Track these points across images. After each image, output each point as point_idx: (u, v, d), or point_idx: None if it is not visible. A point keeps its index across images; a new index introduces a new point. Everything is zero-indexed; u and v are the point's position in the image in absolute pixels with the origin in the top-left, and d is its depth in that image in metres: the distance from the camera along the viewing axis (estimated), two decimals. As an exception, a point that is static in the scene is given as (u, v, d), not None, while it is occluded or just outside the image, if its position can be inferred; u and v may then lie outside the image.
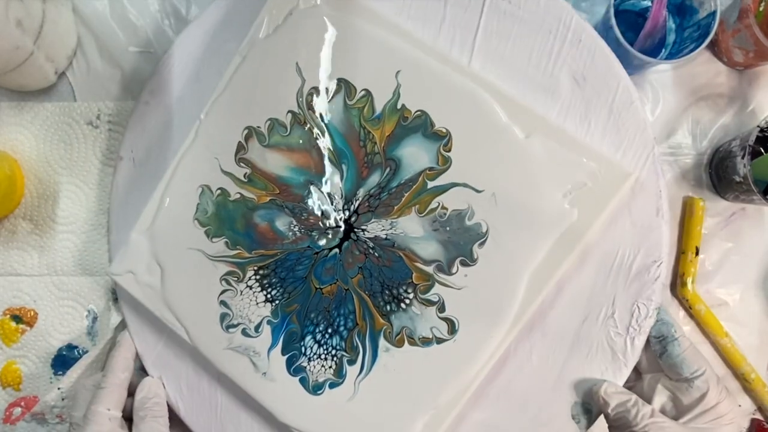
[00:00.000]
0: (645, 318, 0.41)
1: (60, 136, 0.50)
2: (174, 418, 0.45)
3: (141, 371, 0.47)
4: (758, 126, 0.44)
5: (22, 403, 0.50)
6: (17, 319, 0.50)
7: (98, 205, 0.50)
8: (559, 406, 0.42)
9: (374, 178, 0.42)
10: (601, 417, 0.42)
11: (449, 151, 0.41)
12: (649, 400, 0.40)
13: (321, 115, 0.42)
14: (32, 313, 0.50)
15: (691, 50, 0.44)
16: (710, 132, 0.50)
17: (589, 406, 0.42)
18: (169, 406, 0.45)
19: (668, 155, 0.50)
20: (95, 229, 0.50)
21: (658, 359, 0.41)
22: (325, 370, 0.43)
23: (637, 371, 0.43)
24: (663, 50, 0.48)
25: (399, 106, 0.41)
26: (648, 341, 0.42)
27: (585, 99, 0.41)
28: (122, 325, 0.48)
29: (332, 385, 0.42)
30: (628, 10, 0.49)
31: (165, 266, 0.44)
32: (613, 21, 0.43)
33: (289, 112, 0.42)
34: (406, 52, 0.41)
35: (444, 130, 0.41)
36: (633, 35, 0.46)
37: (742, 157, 0.44)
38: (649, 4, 0.48)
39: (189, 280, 0.44)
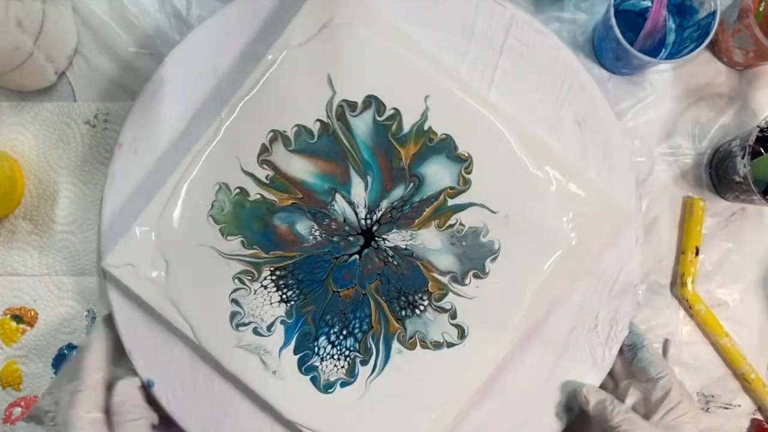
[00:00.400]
0: (621, 330, 0.46)
1: (60, 136, 0.50)
2: (167, 418, 0.45)
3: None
4: (758, 126, 0.44)
5: (22, 403, 0.50)
6: (17, 319, 0.50)
7: (97, 205, 0.50)
8: (546, 404, 0.46)
9: (398, 192, 0.43)
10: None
11: (470, 173, 0.43)
12: (622, 401, 0.43)
13: (350, 128, 0.43)
14: (32, 313, 0.50)
15: (691, 50, 0.44)
16: (710, 132, 0.50)
17: (571, 405, 0.46)
18: (161, 406, 0.45)
19: (668, 155, 0.50)
20: (95, 229, 0.50)
21: (630, 364, 0.45)
22: (338, 369, 0.44)
23: (613, 378, 0.47)
24: (663, 50, 0.48)
25: (426, 128, 0.43)
26: (621, 350, 0.46)
27: (584, 140, 0.46)
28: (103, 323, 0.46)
29: (343, 384, 0.43)
30: (628, 10, 0.49)
31: (171, 261, 0.44)
32: (613, 21, 0.43)
33: (317, 120, 0.43)
34: (435, 78, 0.43)
35: (466, 154, 0.43)
36: (633, 35, 0.46)
37: (742, 157, 0.44)
38: (649, 4, 0.48)
39: (198, 277, 0.44)
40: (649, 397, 0.42)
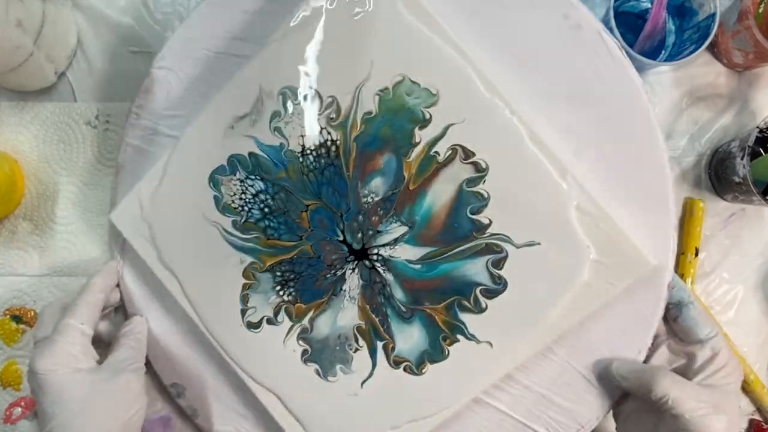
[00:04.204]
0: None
1: (60, 137, 0.50)
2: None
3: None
4: (757, 127, 0.44)
5: (22, 403, 0.50)
6: (17, 319, 0.50)
7: (98, 205, 0.50)
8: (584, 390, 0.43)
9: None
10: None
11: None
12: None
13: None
14: (32, 313, 0.50)
15: (691, 52, 0.44)
16: (710, 133, 0.50)
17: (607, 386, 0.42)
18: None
19: (668, 156, 0.50)
20: (95, 229, 0.50)
21: (672, 324, 0.42)
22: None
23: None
24: (663, 52, 0.48)
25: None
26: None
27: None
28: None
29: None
30: (627, 11, 0.49)
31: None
32: (613, 23, 0.43)
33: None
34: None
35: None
36: (633, 37, 0.46)
37: (742, 158, 0.44)
38: (649, 5, 0.48)
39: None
40: (694, 357, 0.39)
